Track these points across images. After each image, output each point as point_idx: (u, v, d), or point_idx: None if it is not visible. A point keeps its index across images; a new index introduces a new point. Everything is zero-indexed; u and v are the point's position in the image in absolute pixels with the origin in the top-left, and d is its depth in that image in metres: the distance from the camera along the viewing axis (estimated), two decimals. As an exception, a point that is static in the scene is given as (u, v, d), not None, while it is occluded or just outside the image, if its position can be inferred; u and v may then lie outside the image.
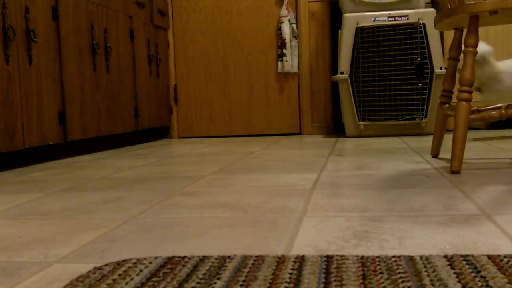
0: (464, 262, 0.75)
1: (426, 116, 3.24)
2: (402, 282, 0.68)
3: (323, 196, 1.34)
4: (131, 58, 3.23)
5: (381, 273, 0.72)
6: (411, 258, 0.78)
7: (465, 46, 1.68)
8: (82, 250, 0.93)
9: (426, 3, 3.40)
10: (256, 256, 0.82)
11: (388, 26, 3.26)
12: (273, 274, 0.73)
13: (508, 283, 0.66)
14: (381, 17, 3.27)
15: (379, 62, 3.28)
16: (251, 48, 3.84)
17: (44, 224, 1.15)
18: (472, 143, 2.60)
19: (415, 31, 3.23)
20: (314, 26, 3.76)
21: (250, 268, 0.76)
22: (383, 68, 3.27)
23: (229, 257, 0.82)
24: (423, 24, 3.22)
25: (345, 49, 3.30)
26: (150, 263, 0.81)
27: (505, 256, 0.77)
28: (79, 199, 1.44)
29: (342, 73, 3.26)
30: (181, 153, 2.69)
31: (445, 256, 0.78)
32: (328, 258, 0.80)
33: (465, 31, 1.73)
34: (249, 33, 3.86)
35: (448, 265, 0.74)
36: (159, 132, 3.90)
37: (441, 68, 3.20)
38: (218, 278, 0.73)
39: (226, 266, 0.78)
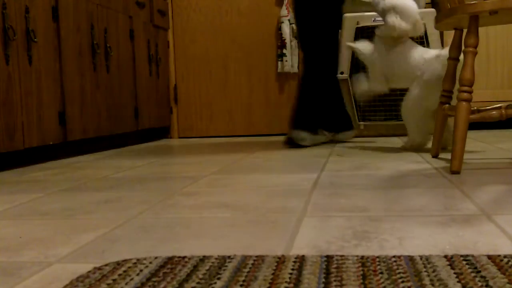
0: (464, 262, 0.75)
1: (426, 116, 3.23)
2: (402, 282, 0.68)
3: (323, 196, 1.34)
4: (131, 58, 3.23)
5: (381, 273, 0.72)
6: (411, 258, 0.78)
7: (465, 46, 1.68)
8: (82, 250, 0.93)
9: (426, 3, 3.40)
10: (256, 256, 0.82)
11: (388, 26, 3.26)
12: (273, 274, 0.73)
13: (508, 283, 0.66)
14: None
15: (379, 62, 3.27)
16: (251, 48, 3.84)
17: (44, 224, 1.15)
18: (472, 143, 2.60)
19: (415, 31, 3.22)
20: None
21: (250, 268, 0.76)
22: (383, 68, 3.26)
23: (229, 257, 0.82)
24: (423, 24, 3.21)
25: (345, 49, 3.30)
26: (150, 263, 0.81)
27: (505, 256, 0.77)
28: (79, 199, 1.44)
29: (342, 73, 3.26)
30: (181, 153, 2.69)
31: (445, 256, 0.78)
32: (328, 258, 0.80)
33: (465, 31, 1.73)
34: (249, 33, 3.86)
35: (448, 265, 0.74)
36: (159, 132, 3.90)
37: (441, 68, 3.19)
38: (218, 278, 0.73)
39: (226, 266, 0.78)
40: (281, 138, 3.45)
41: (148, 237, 0.99)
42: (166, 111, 3.82)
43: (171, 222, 1.12)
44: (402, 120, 3.23)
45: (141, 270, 0.78)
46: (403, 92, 3.24)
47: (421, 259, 0.77)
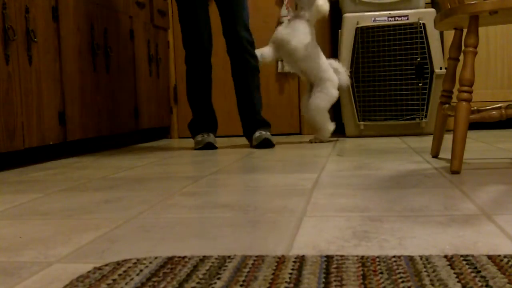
0: (464, 262, 0.75)
1: (426, 116, 3.24)
2: (402, 282, 0.68)
3: (323, 196, 1.34)
4: (131, 58, 3.23)
5: (381, 273, 0.72)
6: (411, 258, 0.78)
7: (465, 46, 1.68)
8: (82, 250, 0.93)
9: (426, 3, 3.40)
10: (256, 256, 0.82)
11: (388, 26, 3.26)
12: (273, 274, 0.74)
13: (508, 283, 0.66)
14: (381, 17, 3.27)
15: (379, 62, 3.28)
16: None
17: (44, 224, 1.15)
18: (472, 143, 2.60)
19: (415, 31, 3.22)
20: (314, 26, 3.76)
21: (250, 268, 0.76)
22: (383, 68, 3.27)
23: (229, 257, 0.82)
24: (423, 24, 3.22)
25: (345, 49, 3.30)
26: (150, 263, 0.81)
27: (505, 256, 0.77)
28: (79, 199, 1.44)
29: (342, 73, 3.26)
30: (181, 153, 2.69)
31: (445, 256, 0.78)
32: (328, 258, 0.80)
33: (465, 31, 1.73)
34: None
35: (448, 265, 0.74)
36: (159, 132, 3.90)
37: (441, 68, 3.20)
38: (218, 278, 0.73)
39: (226, 266, 0.78)
40: (281, 138, 3.45)
41: (148, 237, 0.99)
42: (166, 111, 3.82)
43: (171, 222, 1.12)
44: (402, 120, 3.24)
45: (141, 270, 0.78)
46: (403, 93, 3.24)
47: (421, 259, 0.77)
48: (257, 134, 2.83)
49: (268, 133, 2.85)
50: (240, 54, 2.88)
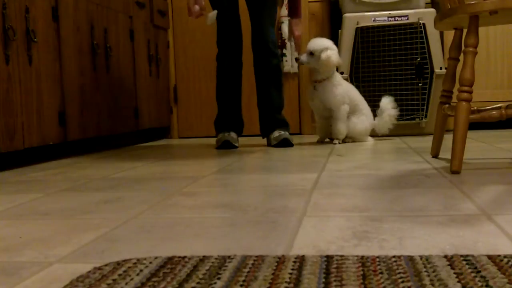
0: (464, 262, 0.75)
1: (426, 116, 3.24)
2: (402, 282, 0.68)
3: (323, 196, 1.34)
4: (131, 58, 3.23)
5: (381, 273, 0.72)
6: (411, 258, 0.78)
7: (465, 46, 1.68)
8: (82, 250, 0.93)
9: (426, 3, 3.40)
10: (256, 256, 0.82)
11: (388, 26, 3.26)
12: (273, 274, 0.74)
13: (508, 283, 0.66)
14: (381, 17, 3.27)
15: (379, 62, 3.28)
16: (251, 48, 3.83)
17: (44, 224, 1.15)
18: (472, 143, 2.60)
19: (415, 31, 3.22)
20: (314, 26, 3.76)
21: (250, 268, 0.76)
22: (383, 68, 3.27)
23: (229, 257, 0.82)
24: (423, 24, 3.22)
25: (345, 49, 3.30)
26: (150, 263, 0.81)
27: (505, 256, 0.77)
28: (79, 199, 1.44)
29: (342, 73, 3.26)
30: (181, 153, 2.69)
31: (445, 256, 0.78)
32: (328, 258, 0.80)
33: (465, 31, 1.73)
34: (249, 32, 3.85)
35: (448, 265, 0.74)
36: (159, 132, 3.90)
37: (441, 68, 3.20)
38: (218, 278, 0.73)
39: (226, 266, 0.78)
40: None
41: (148, 237, 0.99)
42: (166, 111, 3.82)
43: (171, 222, 1.12)
44: (402, 120, 3.24)
45: (141, 270, 0.78)
46: (403, 93, 3.24)
47: (421, 259, 0.77)
48: (276, 133, 2.81)
49: (287, 133, 2.83)
50: (263, 54, 2.87)
